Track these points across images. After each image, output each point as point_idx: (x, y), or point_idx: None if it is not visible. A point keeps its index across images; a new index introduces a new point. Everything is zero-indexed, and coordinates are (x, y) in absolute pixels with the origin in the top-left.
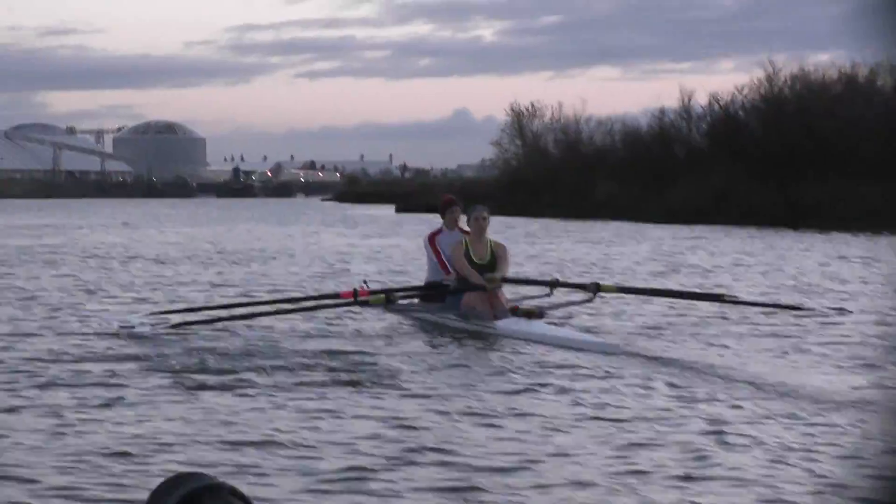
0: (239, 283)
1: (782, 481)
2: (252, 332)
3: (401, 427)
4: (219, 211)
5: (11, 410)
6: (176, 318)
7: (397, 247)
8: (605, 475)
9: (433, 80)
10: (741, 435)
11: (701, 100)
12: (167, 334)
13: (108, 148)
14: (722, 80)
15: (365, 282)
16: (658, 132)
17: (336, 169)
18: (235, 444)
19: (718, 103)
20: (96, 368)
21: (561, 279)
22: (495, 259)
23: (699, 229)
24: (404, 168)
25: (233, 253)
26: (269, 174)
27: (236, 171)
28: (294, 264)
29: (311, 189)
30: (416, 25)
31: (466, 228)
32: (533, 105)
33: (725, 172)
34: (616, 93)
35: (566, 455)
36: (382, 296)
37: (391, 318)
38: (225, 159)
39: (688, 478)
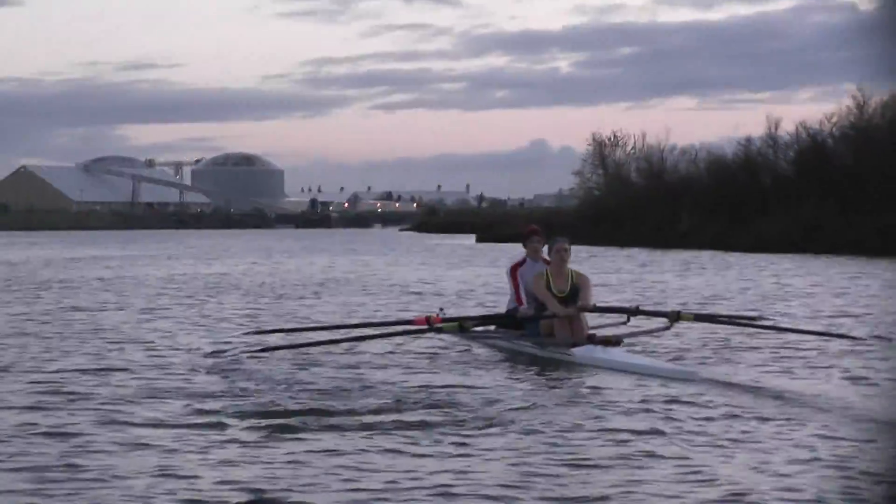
0: (324, 312)
1: None
2: (331, 357)
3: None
4: (297, 241)
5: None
6: (263, 341)
7: (481, 276)
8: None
9: (509, 111)
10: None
11: (788, 128)
12: (252, 359)
13: (187, 180)
14: (801, 109)
15: (441, 309)
16: (744, 161)
17: (413, 199)
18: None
19: (807, 131)
20: (183, 403)
21: (641, 307)
22: (577, 289)
23: (792, 259)
24: (481, 198)
25: (321, 283)
26: (346, 205)
27: (314, 201)
28: (383, 293)
29: (387, 219)
30: (491, 58)
31: (549, 258)
32: (615, 134)
33: (815, 202)
34: (694, 123)
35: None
36: (456, 324)
37: (467, 346)
38: (302, 190)
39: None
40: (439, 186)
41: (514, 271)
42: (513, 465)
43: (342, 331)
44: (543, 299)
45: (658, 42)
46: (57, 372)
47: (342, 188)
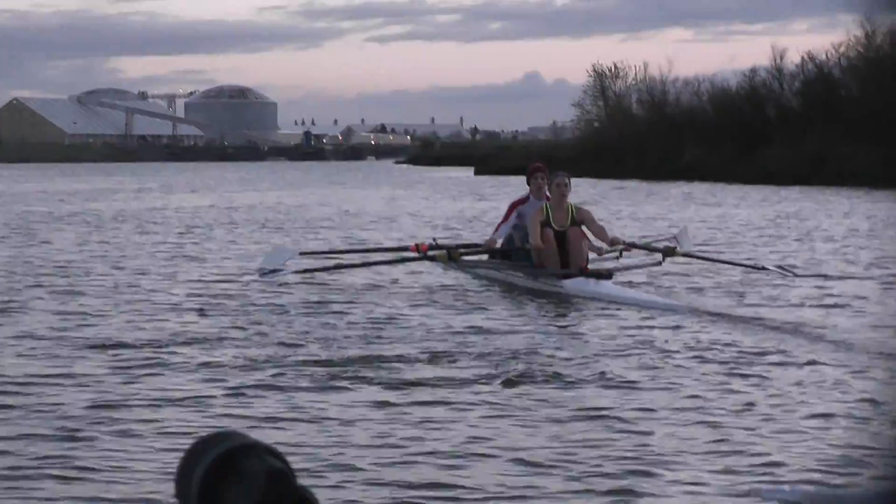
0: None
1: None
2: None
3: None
4: (293, 174)
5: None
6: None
7: (482, 209)
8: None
9: (504, 43)
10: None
11: (793, 59)
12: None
13: (180, 112)
14: (797, 40)
15: (434, 239)
16: (749, 92)
17: (407, 132)
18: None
19: (814, 62)
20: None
21: (631, 241)
22: (577, 224)
23: (799, 191)
24: (475, 131)
25: (329, 218)
26: (340, 138)
27: (307, 134)
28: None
29: (381, 152)
30: None
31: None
32: (615, 65)
33: (822, 133)
34: (691, 54)
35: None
36: (445, 252)
37: (460, 276)
38: (296, 123)
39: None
40: (433, 119)
41: (512, 208)
42: (517, 412)
43: (355, 255)
44: (530, 231)
45: None
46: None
47: (336, 121)
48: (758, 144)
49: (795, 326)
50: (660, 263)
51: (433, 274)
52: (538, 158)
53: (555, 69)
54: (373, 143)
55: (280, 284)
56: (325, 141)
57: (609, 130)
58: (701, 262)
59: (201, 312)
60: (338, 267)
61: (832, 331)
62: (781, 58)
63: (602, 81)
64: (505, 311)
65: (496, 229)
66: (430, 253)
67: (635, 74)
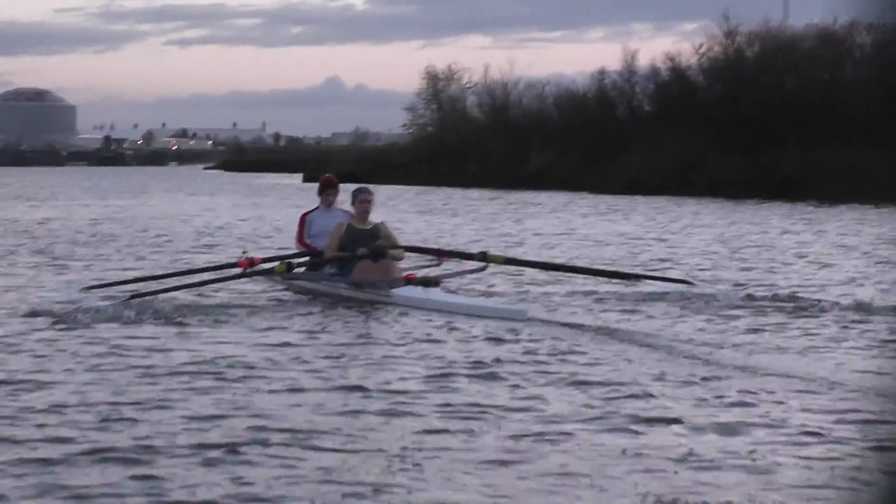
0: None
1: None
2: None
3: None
4: (100, 181)
5: None
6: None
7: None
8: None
9: (304, 48)
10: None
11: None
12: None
13: None
14: (591, 49)
15: (245, 251)
16: (598, 94)
17: (208, 137)
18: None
19: (673, 62)
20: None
21: (447, 249)
22: (378, 238)
23: (666, 201)
24: (277, 136)
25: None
26: (141, 142)
27: (107, 139)
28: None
29: (184, 157)
30: None
31: (343, 209)
32: (450, 68)
33: (685, 139)
34: (489, 61)
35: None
36: (280, 264)
37: (288, 289)
38: (95, 127)
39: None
40: (235, 124)
41: (302, 219)
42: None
43: (175, 279)
44: (330, 252)
45: None
46: None
47: (136, 125)
48: (611, 150)
49: (605, 328)
50: (482, 269)
51: (258, 290)
52: (370, 164)
53: (355, 74)
54: (174, 147)
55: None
56: (125, 146)
57: (445, 135)
58: (522, 266)
59: None
60: (139, 295)
61: (639, 334)
62: (632, 59)
63: (435, 84)
64: (335, 324)
65: (298, 240)
66: (265, 266)
67: (470, 77)
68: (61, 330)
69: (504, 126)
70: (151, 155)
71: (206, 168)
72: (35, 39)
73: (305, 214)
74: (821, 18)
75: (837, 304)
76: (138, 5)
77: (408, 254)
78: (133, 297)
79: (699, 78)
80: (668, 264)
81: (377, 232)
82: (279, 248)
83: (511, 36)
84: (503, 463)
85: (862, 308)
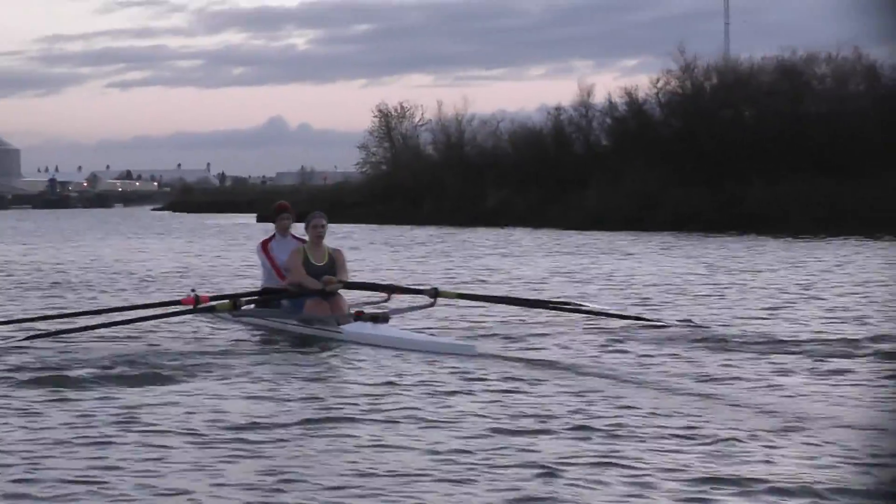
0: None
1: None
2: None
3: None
4: (48, 224)
5: None
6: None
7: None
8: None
9: (246, 88)
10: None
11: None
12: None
13: None
14: (533, 86)
15: (193, 290)
16: (554, 131)
17: (153, 178)
18: None
19: (631, 97)
20: None
21: (397, 284)
22: (333, 265)
23: (631, 236)
24: (223, 177)
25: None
26: (86, 184)
27: (52, 181)
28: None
29: (129, 199)
30: (228, 34)
31: (298, 235)
32: (402, 105)
33: (643, 172)
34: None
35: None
36: (227, 301)
37: (234, 327)
38: (39, 170)
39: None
40: (179, 165)
41: (264, 246)
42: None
43: (104, 315)
44: (298, 278)
45: (393, 19)
46: None
47: (80, 167)
48: (569, 186)
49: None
50: (432, 304)
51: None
52: (323, 204)
53: (298, 114)
54: (119, 189)
55: None
56: (70, 188)
57: (399, 173)
58: (471, 301)
59: None
60: (81, 329)
61: (590, 367)
62: (588, 95)
63: (388, 122)
64: (285, 362)
65: (275, 272)
66: (212, 304)
67: (422, 115)
68: None
69: (459, 163)
70: (96, 197)
71: (153, 209)
72: None
73: (266, 242)
74: (777, 50)
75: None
76: (78, 49)
77: (357, 291)
78: (37, 336)
79: (657, 112)
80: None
81: (332, 264)
82: (236, 289)
83: (452, 74)
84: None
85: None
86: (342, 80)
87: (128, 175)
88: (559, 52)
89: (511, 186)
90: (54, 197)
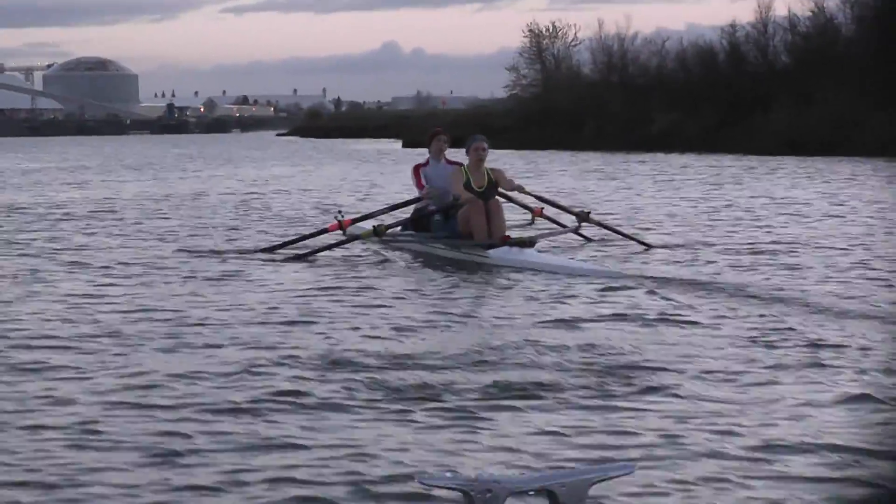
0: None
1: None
2: None
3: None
4: (192, 148)
5: None
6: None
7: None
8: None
9: (360, 13)
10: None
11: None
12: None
13: (38, 86)
14: (647, 9)
15: (340, 212)
16: (730, 49)
17: (269, 103)
18: None
19: (820, 9)
20: None
21: (549, 199)
22: (495, 185)
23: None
24: (338, 102)
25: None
26: (202, 109)
27: (170, 107)
28: None
29: (246, 124)
30: None
31: (453, 160)
32: (554, 25)
33: (835, 93)
34: (598, 17)
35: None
36: (371, 228)
37: (383, 253)
38: (155, 95)
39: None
40: (295, 90)
41: (416, 170)
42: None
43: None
44: (453, 189)
45: None
46: None
47: (196, 92)
48: (745, 108)
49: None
50: (577, 230)
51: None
52: (473, 129)
53: (412, 39)
54: (236, 115)
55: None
56: (188, 113)
57: (554, 95)
58: (615, 234)
59: None
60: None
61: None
62: (767, 11)
63: (539, 42)
64: (430, 284)
65: (419, 188)
66: (354, 231)
67: (575, 34)
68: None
69: (622, 84)
70: (214, 122)
71: (278, 134)
72: (91, 10)
73: (419, 167)
74: None
75: None
76: None
77: (507, 211)
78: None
79: (846, 26)
80: None
81: (493, 187)
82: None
83: None
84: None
85: None
86: (455, 5)
87: (244, 100)
88: None
89: (680, 109)
90: (172, 122)
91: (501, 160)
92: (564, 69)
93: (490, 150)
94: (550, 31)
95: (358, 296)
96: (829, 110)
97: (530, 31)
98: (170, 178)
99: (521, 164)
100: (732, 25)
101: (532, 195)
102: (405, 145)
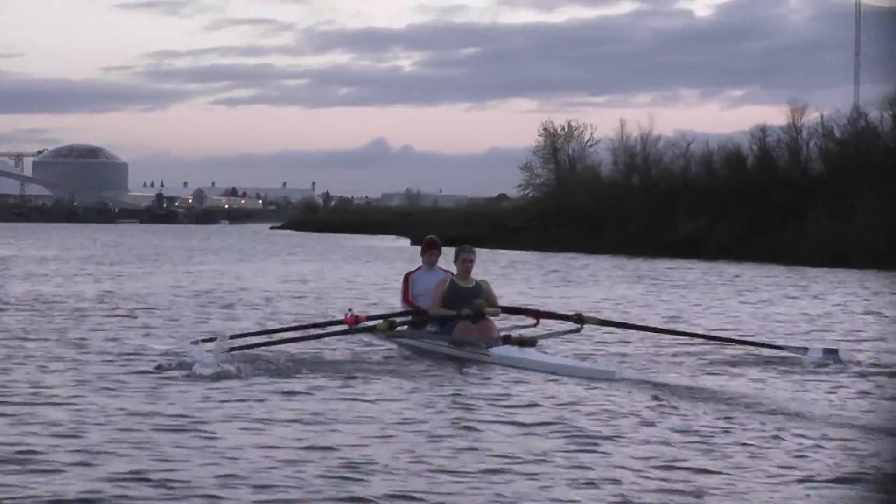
0: None
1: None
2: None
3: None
4: (183, 239)
5: None
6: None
7: None
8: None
9: (351, 109)
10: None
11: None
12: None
13: (28, 172)
14: (639, 113)
15: (350, 309)
16: (761, 154)
17: (258, 196)
18: None
19: (861, 115)
20: None
21: (543, 309)
22: (479, 288)
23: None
24: (327, 196)
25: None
26: (191, 200)
27: (160, 196)
28: None
29: (234, 216)
30: (335, 54)
31: (444, 269)
32: (570, 125)
33: (882, 202)
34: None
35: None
36: (384, 322)
37: (390, 347)
38: (145, 184)
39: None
40: (285, 183)
41: (406, 278)
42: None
43: (282, 333)
44: (435, 310)
45: (499, 43)
46: None
47: (185, 183)
48: (780, 215)
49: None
50: (578, 330)
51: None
52: (481, 227)
53: (401, 136)
54: (225, 206)
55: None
56: (176, 203)
57: (572, 195)
58: (616, 328)
59: None
60: (265, 344)
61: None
62: (800, 116)
63: (553, 142)
64: (433, 381)
65: (404, 299)
66: (369, 324)
67: (591, 134)
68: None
69: (645, 187)
70: (203, 213)
71: (272, 227)
72: (84, 98)
73: (409, 274)
74: None
75: None
76: (186, 65)
77: (506, 314)
78: (238, 349)
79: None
80: None
81: (479, 290)
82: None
83: (557, 100)
84: None
85: None
86: (446, 104)
87: (233, 192)
88: (666, 80)
89: (707, 213)
90: (161, 212)
91: (519, 263)
92: (581, 169)
93: (504, 252)
94: (565, 130)
95: (361, 389)
96: (878, 220)
97: (545, 129)
98: (203, 270)
99: (550, 274)
100: (762, 129)
101: (526, 310)
102: (414, 243)
